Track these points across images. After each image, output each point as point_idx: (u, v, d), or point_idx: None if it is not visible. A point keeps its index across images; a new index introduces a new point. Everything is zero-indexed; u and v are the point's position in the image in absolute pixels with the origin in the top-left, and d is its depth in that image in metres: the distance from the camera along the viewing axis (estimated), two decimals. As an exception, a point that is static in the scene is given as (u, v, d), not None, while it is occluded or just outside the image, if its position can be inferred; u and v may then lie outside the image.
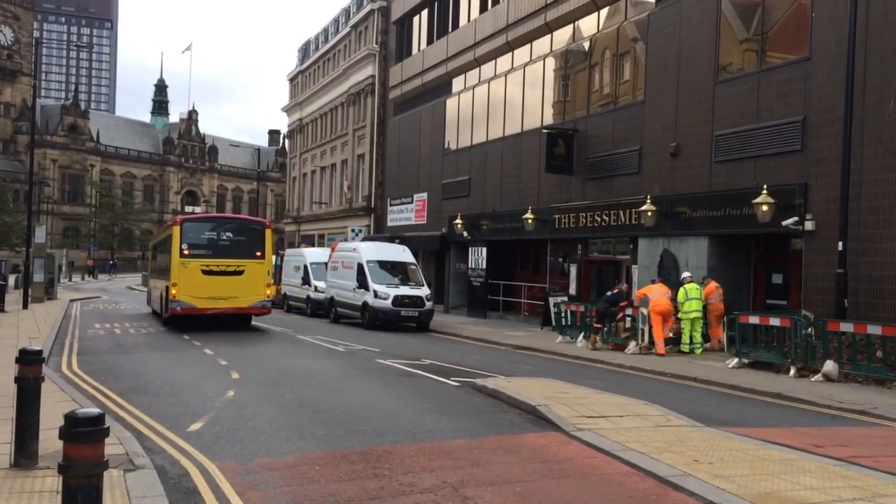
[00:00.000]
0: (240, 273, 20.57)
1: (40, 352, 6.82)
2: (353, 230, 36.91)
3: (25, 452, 6.38)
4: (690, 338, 16.22)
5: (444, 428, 8.59)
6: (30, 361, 6.58)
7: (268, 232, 21.56)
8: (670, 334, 16.43)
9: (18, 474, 6.16)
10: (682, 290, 16.17)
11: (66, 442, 3.77)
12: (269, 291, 21.41)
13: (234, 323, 21.26)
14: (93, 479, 3.76)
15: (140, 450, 7.03)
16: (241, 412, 9.38)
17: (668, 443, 7.60)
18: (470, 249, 28.26)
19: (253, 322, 22.55)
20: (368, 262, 23.49)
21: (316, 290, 27.68)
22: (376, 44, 39.95)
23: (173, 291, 20.07)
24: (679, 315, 16.27)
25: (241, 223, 23.53)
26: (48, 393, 8.07)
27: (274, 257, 35.24)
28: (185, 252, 20.22)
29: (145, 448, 7.24)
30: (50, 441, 6.56)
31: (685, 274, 16.80)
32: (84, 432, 3.75)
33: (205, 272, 20.24)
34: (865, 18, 14.19)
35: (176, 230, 20.50)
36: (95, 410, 3.96)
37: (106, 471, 3.95)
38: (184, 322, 20.75)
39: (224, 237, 21.03)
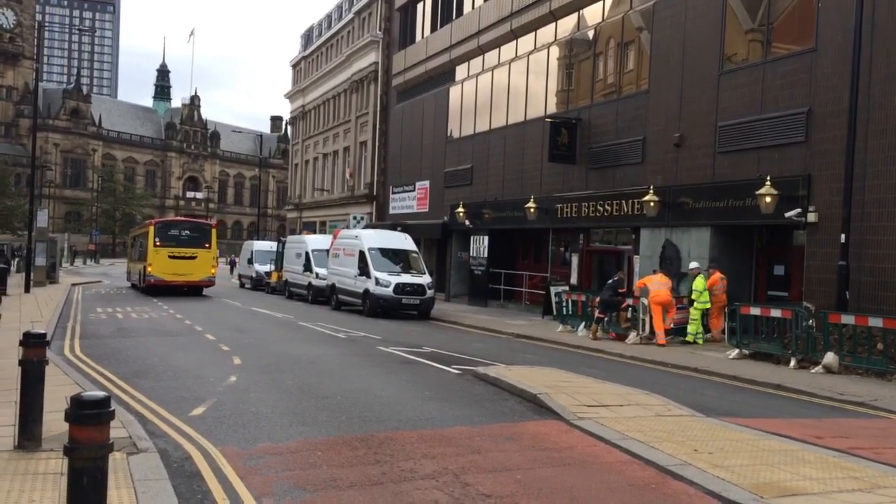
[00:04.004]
0: (194, 258, 29.22)
1: (44, 335, 6.84)
2: (354, 217, 36.91)
3: (29, 435, 6.42)
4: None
5: (445, 415, 8.63)
6: (34, 344, 6.61)
7: (213, 230, 31.05)
8: (671, 325, 16.45)
9: (23, 456, 6.20)
10: (699, 280, 16.15)
11: (71, 424, 3.78)
12: (213, 271, 30.17)
13: (190, 291, 29.39)
14: (98, 462, 3.78)
15: (143, 433, 7.08)
16: (244, 397, 9.42)
17: (668, 432, 7.63)
18: (472, 238, 28.26)
19: (255, 309, 24.59)
20: (370, 249, 23.49)
21: (317, 276, 27.68)
22: (380, 30, 39.79)
23: (149, 269, 28.56)
24: (696, 305, 16.24)
25: (195, 224, 32.25)
26: (51, 376, 8.10)
27: (276, 244, 35.85)
28: (157, 244, 28.72)
29: (148, 432, 7.29)
30: (53, 424, 6.61)
31: (694, 264, 16.75)
32: (90, 415, 3.77)
33: (170, 257, 28.72)
34: (872, 10, 14.12)
35: (151, 228, 29.60)
36: (101, 393, 3.98)
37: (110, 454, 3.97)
38: (156, 290, 28.61)
39: (184, 234, 29.75)
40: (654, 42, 19.97)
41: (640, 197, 19.18)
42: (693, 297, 16.23)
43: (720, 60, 17.88)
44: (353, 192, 42.65)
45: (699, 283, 16.14)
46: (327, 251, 27.26)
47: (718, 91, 17.81)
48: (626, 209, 20.14)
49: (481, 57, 28.99)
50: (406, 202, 34.83)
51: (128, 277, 36.58)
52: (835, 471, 6.38)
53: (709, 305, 16.32)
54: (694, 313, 16.27)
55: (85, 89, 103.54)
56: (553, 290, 21.00)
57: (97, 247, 76.49)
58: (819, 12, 15.58)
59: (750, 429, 8.02)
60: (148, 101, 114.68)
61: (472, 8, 29.59)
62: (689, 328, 16.34)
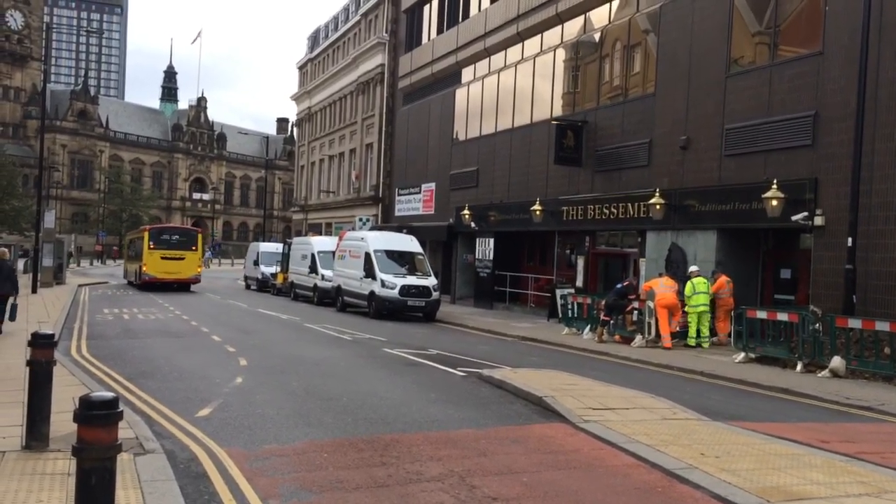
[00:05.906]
0: (182, 259, 33.44)
1: (52, 335, 6.88)
2: (360, 219, 36.94)
3: (37, 435, 6.45)
4: (697, 331, 16.23)
5: (450, 418, 8.63)
6: (42, 345, 6.64)
7: (199, 235, 35.97)
8: (677, 328, 16.42)
9: (30, 456, 6.22)
10: (689, 283, 16.19)
11: (80, 425, 3.80)
12: (199, 270, 34.74)
13: (179, 287, 32.97)
14: (106, 462, 3.80)
15: (150, 434, 7.10)
16: (250, 399, 9.44)
17: (674, 436, 7.62)
18: (477, 240, 28.26)
19: (261, 310, 24.66)
20: (376, 251, 23.51)
21: (323, 278, 27.72)
22: (386, 32, 39.84)
23: (144, 269, 32.89)
24: (686, 308, 16.28)
25: (184, 230, 37.96)
26: (58, 377, 8.12)
27: (282, 246, 35.99)
28: (151, 247, 32.97)
29: (155, 433, 7.31)
30: (61, 424, 6.64)
31: (693, 268, 16.82)
32: (98, 416, 3.78)
33: (162, 258, 32.93)
34: (879, 12, 14.07)
35: (146, 233, 33.93)
36: (109, 394, 4.00)
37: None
38: (151, 286, 32.28)
39: (174, 238, 34.38)
40: (661, 45, 19.95)
41: (646, 200, 19.15)
42: (683, 299, 16.24)
43: (727, 63, 17.84)
44: (359, 193, 42.69)
45: (688, 287, 16.17)
46: (333, 253, 27.30)
47: (725, 94, 17.78)
48: (632, 212, 20.12)
49: (487, 59, 29.00)
50: (412, 204, 34.86)
51: (125, 275, 40.16)
52: (841, 475, 6.36)
53: (701, 308, 16.19)
54: (690, 317, 16.25)
55: (92, 91, 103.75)
56: (559, 292, 20.98)
57: (104, 248, 76.68)
58: (826, 15, 15.54)
59: (756, 433, 8.00)
60: (155, 103, 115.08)
61: (479, 10, 29.61)
62: (689, 331, 16.31)
